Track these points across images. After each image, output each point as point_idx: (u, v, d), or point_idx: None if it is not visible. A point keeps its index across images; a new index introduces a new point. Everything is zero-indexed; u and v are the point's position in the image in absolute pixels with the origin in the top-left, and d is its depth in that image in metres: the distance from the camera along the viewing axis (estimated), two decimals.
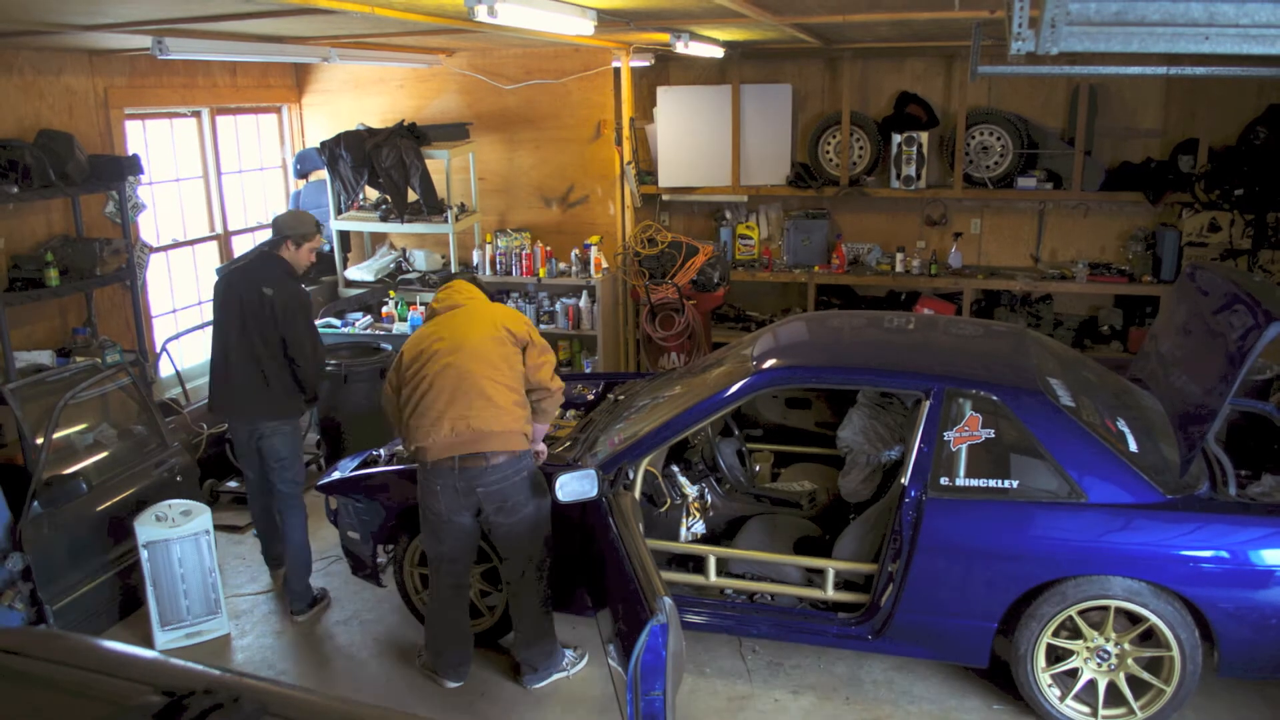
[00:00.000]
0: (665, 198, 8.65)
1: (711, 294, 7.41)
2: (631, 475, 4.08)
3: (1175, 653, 3.62)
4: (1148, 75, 5.88)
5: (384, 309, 7.29)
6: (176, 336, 6.41)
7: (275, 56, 6.56)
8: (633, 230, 7.90)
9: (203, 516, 4.56)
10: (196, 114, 7.35)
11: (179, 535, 4.48)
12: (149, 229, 6.80)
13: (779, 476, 5.14)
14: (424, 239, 8.05)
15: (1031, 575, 3.68)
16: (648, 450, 4.11)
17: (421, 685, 4.25)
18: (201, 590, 4.58)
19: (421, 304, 7.23)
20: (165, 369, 6.55)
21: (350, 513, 4.55)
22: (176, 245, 7.24)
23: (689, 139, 8.28)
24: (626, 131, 7.72)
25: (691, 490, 4.55)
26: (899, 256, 8.07)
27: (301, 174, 8.15)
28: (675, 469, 4.62)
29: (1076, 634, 3.74)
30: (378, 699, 4.18)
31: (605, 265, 7.51)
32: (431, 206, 7.28)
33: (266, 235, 7.81)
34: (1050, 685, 3.80)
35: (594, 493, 3.84)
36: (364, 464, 4.69)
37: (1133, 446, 3.78)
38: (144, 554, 4.44)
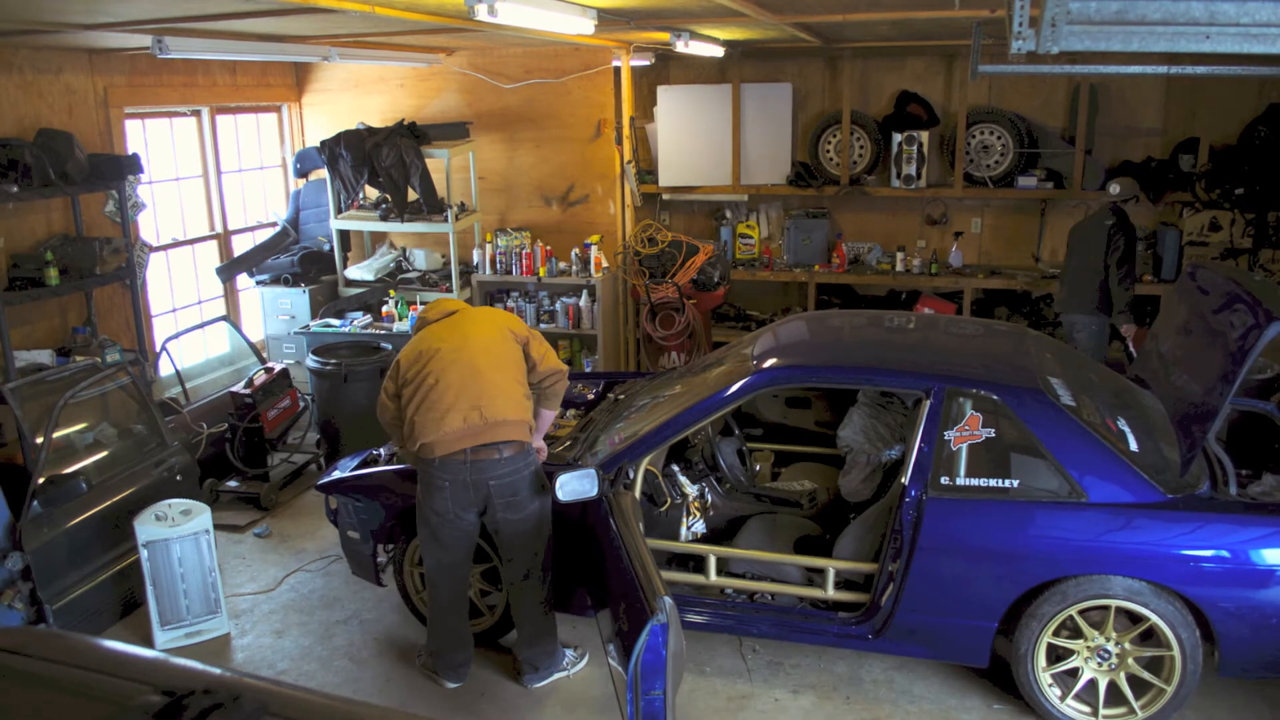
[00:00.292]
0: (665, 197, 8.65)
1: (712, 293, 7.41)
2: (632, 474, 4.07)
3: (1176, 652, 3.61)
4: (1148, 74, 5.89)
5: (384, 308, 7.28)
6: (176, 336, 6.41)
7: (275, 56, 6.56)
8: (633, 229, 7.90)
9: (203, 516, 4.56)
10: (196, 113, 7.35)
11: (179, 535, 4.48)
12: (149, 228, 6.80)
13: (779, 476, 5.14)
14: (424, 238, 8.05)
15: (1032, 575, 3.68)
16: (648, 449, 4.11)
17: (421, 685, 4.24)
18: (201, 590, 4.57)
19: (422, 303, 7.22)
20: (165, 368, 6.55)
21: (350, 512, 4.54)
22: (176, 244, 7.24)
23: (689, 138, 8.27)
24: (626, 131, 7.71)
25: (692, 490, 4.54)
26: (899, 256, 8.07)
27: (301, 173, 8.15)
28: (675, 468, 4.62)
29: (1077, 633, 3.74)
30: (378, 699, 4.18)
31: (605, 264, 7.51)
32: (431, 206, 7.28)
33: (267, 234, 7.87)
34: (1051, 685, 3.80)
35: (594, 492, 3.83)
36: (364, 464, 4.69)
37: (1133, 446, 3.78)
38: (144, 553, 4.44)
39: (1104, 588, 3.61)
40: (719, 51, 7.16)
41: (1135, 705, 3.72)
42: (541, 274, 7.53)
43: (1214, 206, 7.12)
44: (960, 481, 3.75)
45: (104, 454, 4.85)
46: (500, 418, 3.84)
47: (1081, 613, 3.69)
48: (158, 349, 6.56)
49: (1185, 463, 3.65)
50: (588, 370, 7.61)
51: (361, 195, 7.57)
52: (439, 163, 7.32)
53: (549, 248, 7.58)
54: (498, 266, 7.64)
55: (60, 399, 4.49)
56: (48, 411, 4.47)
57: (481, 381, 3.85)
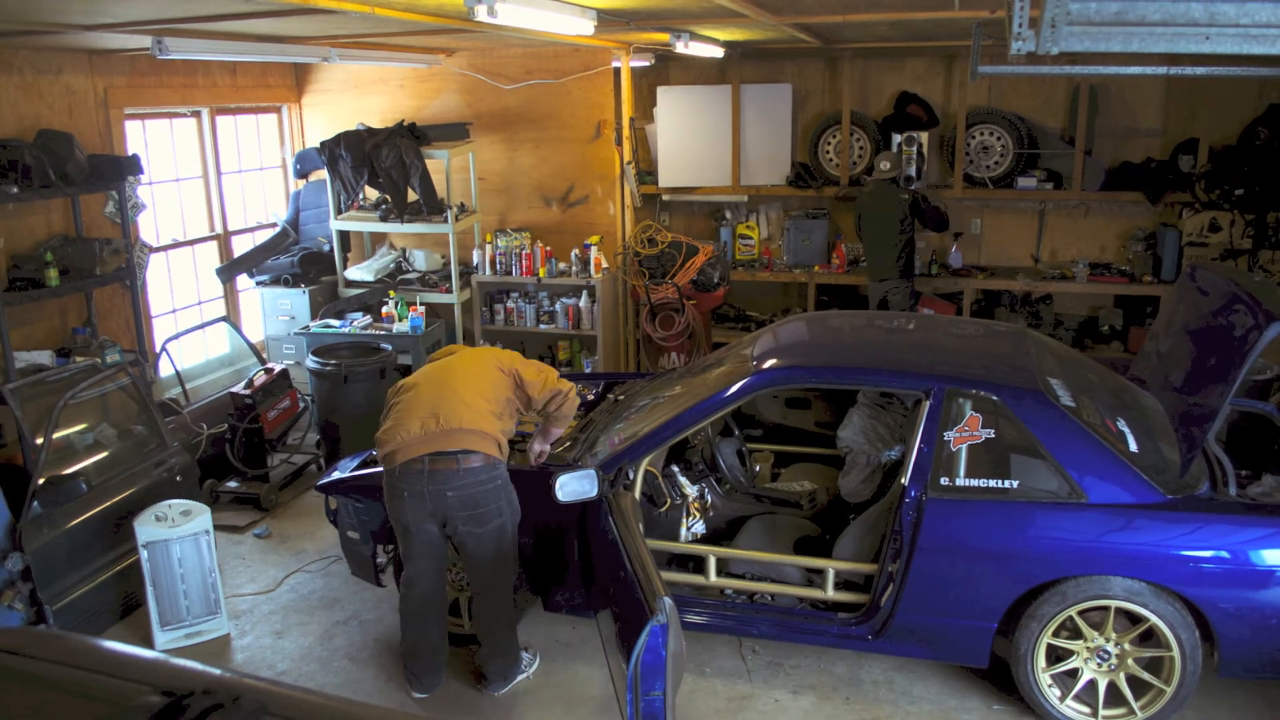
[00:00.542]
0: (665, 198, 8.65)
1: (711, 294, 7.41)
2: (631, 475, 4.07)
3: (1175, 653, 3.61)
4: (1148, 75, 5.89)
5: (384, 309, 7.28)
6: (176, 336, 6.41)
7: (275, 56, 6.56)
8: (633, 230, 7.90)
9: (203, 516, 4.56)
10: (196, 114, 7.35)
11: (179, 535, 4.48)
12: (149, 229, 6.80)
13: (779, 476, 5.14)
14: (424, 239, 8.04)
15: (1032, 575, 3.68)
16: (648, 450, 4.11)
17: None
18: (201, 590, 4.57)
19: (421, 304, 7.23)
20: (165, 369, 6.55)
21: (350, 513, 4.54)
22: (176, 245, 7.24)
23: (689, 139, 8.28)
24: (626, 131, 7.71)
25: (691, 490, 4.55)
26: None
27: (301, 174, 8.15)
28: (675, 469, 4.62)
29: (1077, 634, 3.74)
30: (378, 699, 4.18)
31: (605, 265, 7.51)
32: (431, 206, 7.28)
33: (267, 235, 7.87)
34: (1050, 685, 3.80)
35: (594, 493, 3.84)
36: (364, 464, 4.68)
37: (1133, 446, 3.78)
38: (144, 554, 4.44)
39: (1104, 588, 3.61)
40: (719, 52, 7.17)
41: (1135, 706, 3.72)
42: (541, 275, 7.53)
43: (1213, 207, 7.12)
44: (960, 482, 3.75)
45: (104, 455, 4.85)
46: (456, 425, 3.83)
47: (1081, 613, 3.69)
48: (158, 350, 6.56)
49: (1185, 463, 3.65)
50: (587, 371, 7.61)
51: (361, 196, 7.57)
52: (439, 163, 7.32)
53: (549, 248, 7.58)
54: (498, 267, 7.64)
55: (60, 400, 4.50)
56: (48, 412, 4.47)
57: (445, 393, 3.92)
